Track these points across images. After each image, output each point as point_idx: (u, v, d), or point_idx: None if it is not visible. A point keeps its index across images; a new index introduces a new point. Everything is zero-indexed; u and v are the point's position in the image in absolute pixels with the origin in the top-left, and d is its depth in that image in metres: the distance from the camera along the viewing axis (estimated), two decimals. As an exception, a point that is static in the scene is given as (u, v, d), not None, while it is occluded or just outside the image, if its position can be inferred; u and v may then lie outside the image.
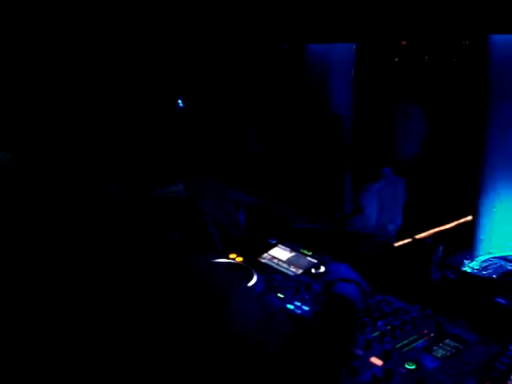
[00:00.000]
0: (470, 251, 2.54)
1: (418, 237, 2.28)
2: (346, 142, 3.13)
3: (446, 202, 3.04)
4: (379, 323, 1.28)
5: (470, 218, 2.77)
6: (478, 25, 2.28)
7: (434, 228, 2.72)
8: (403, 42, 3.14)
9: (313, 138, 3.00)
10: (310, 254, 1.55)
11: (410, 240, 2.00)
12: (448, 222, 2.97)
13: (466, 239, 2.60)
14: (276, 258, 1.56)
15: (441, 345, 1.21)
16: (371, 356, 1.17)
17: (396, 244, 2.34)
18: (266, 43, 2.88)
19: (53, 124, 0.86)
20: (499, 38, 2.57)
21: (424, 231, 2.64)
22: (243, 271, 1.48)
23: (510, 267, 1.95)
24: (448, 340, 1.23)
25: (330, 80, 3.02)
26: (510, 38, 2.50)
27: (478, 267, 1.99)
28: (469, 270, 2.01)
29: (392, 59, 3.21)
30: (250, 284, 1.42)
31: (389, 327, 1.26)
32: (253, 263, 1.54)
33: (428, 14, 2.34)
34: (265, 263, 1.56)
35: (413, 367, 1.14)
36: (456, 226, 2.82)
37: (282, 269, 1.52)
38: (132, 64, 0.91)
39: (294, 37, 2.76)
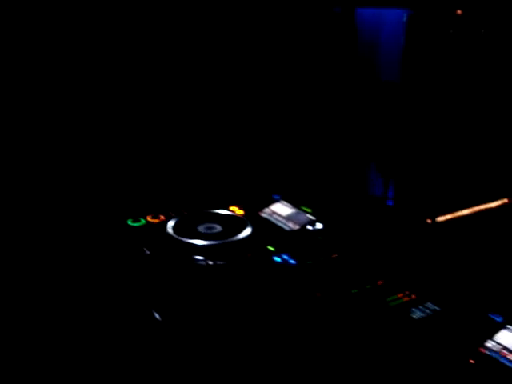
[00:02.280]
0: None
1: (459, 214, 2.20)
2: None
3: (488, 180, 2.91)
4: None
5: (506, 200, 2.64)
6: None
7: (476, 205, 2.60)
8: (459, 12, 3.01)
9: (362, 105, 2.92)
10: (310, 211, 1.53)
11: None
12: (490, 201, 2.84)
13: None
14: (276, 213, 1.54)
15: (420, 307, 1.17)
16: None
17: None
18: (315, 5, 2.82)
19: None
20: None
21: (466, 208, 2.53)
22: (238, 223, 1.47)
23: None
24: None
25: (379, 47, 2.93)
26: None
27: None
28: None
29: (446, 30, 3.08)
30: (243, 235, 1.41)
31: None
32: (252, 217, 1.53)
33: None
34: (265, 217, 1.54)
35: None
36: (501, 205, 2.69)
37: (280, 224, 1.50)
38: None
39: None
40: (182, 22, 1.76)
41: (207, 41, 2.05)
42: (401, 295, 1.20)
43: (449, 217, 1.92)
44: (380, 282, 1.24)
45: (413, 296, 1.20)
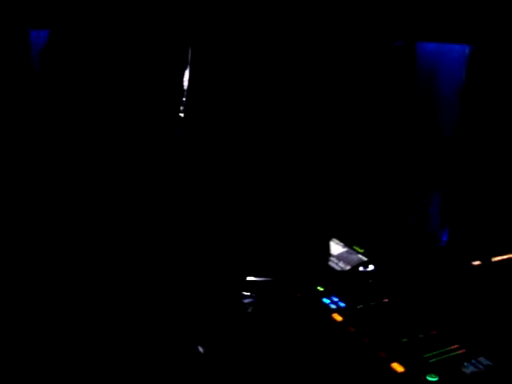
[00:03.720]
0: None
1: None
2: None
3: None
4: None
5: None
6: None
7: None
8: (523, 48, 2.94)
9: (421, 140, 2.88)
10: (363, 251, 1.50)
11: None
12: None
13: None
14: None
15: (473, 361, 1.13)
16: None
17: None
18: (377, 38, 2.80)
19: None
20: None
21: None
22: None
23: None
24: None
25: (438, 82, 2.89)
26: None
27: None
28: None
29: (510, 65, 3.02)
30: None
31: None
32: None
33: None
34: (315, 256, 1.53)
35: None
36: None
37: (331, 263, 1.48)
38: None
39: (406, 33, 2.65)
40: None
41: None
42: (454, 347, 1.17)
43: (505, 257, 1.85)
44: (433, 332, 1.21)
45: (464, 349, 1.16)
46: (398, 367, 1.10)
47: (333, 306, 1.30)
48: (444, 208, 2.40)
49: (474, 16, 2.39)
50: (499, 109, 2.98)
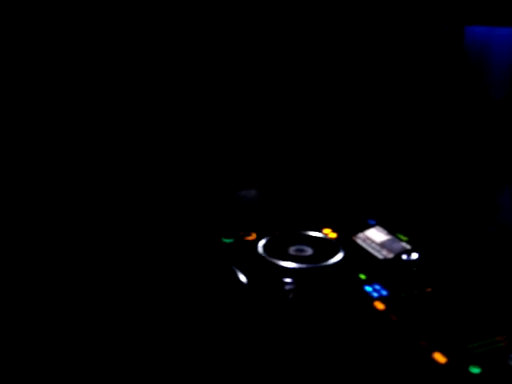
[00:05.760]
0: None
1: None
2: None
3: None
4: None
5: None
6: None
7: None
8: None
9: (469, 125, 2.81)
10: (407, 239, 1.48)
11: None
12: None
13: None
14: (370, 239, 1.50)
15: (519, 353, 1.10)
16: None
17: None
18: (425, 22, 2.73)
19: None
20: None
21: None
22: (331, 247, 1.45)
23: None
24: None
25: (487, 66, 2.81)
26: None
27: None
28: None
29: None
30: (334, 261, 1.38)
31: (464, 325, 1.17)
32: (345, 241, 1.50)
33: None
34: (358, 243, 1.50)
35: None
36: None
37: (374, 251, 1.46)
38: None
39: (454, 17, 2.59)
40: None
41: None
42: (500, 338, 1.14)
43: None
44: (475, 323, 1.18)
45: (508, 341, 1.13)
46: (440, 357, 1.08)
47: (375, 295, 1.28)
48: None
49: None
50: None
